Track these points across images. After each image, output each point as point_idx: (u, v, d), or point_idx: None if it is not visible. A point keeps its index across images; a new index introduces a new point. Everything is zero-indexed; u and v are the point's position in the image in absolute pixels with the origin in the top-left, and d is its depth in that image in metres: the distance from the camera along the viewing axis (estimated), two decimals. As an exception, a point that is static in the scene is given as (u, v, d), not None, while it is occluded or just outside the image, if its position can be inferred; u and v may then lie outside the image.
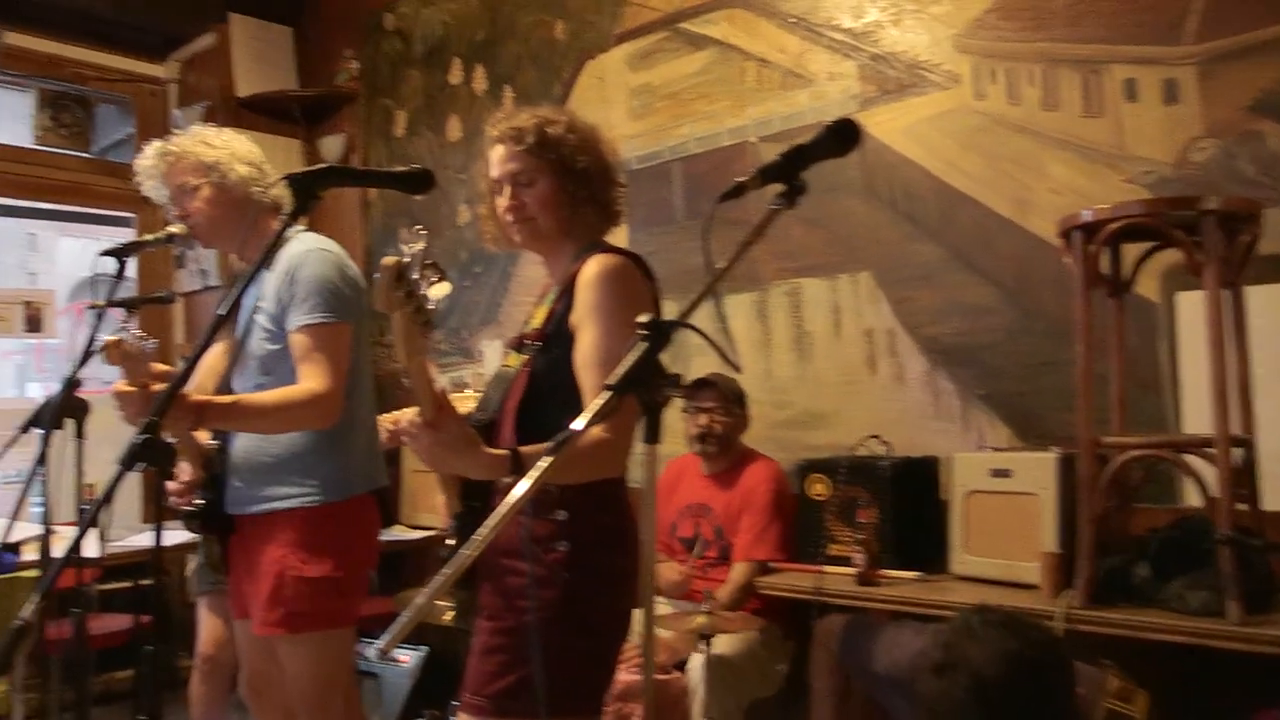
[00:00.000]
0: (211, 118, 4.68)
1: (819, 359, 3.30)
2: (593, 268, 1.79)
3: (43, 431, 2.22)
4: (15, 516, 2.29)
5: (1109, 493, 2.22)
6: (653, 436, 1.23)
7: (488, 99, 4.34)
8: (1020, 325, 2.87)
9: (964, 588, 2.52)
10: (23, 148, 4.73)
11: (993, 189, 2.92)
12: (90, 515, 1.56)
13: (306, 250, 2.37)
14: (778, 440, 3.31)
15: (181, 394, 2.05)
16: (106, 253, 2.36)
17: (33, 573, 3.02)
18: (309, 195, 1.74)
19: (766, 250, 3.39)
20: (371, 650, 3.44)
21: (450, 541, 1.91)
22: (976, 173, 2.96)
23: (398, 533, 3.97)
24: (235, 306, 2.42)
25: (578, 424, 1.19)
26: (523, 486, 1.14)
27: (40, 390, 10.34)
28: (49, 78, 4.72)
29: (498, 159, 1.92)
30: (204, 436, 2.41)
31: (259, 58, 4.83)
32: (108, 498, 1.58)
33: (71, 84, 4.77)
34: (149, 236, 2.45)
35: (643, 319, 1.23)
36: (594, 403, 1.21)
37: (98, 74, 4.83)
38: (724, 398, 3.11)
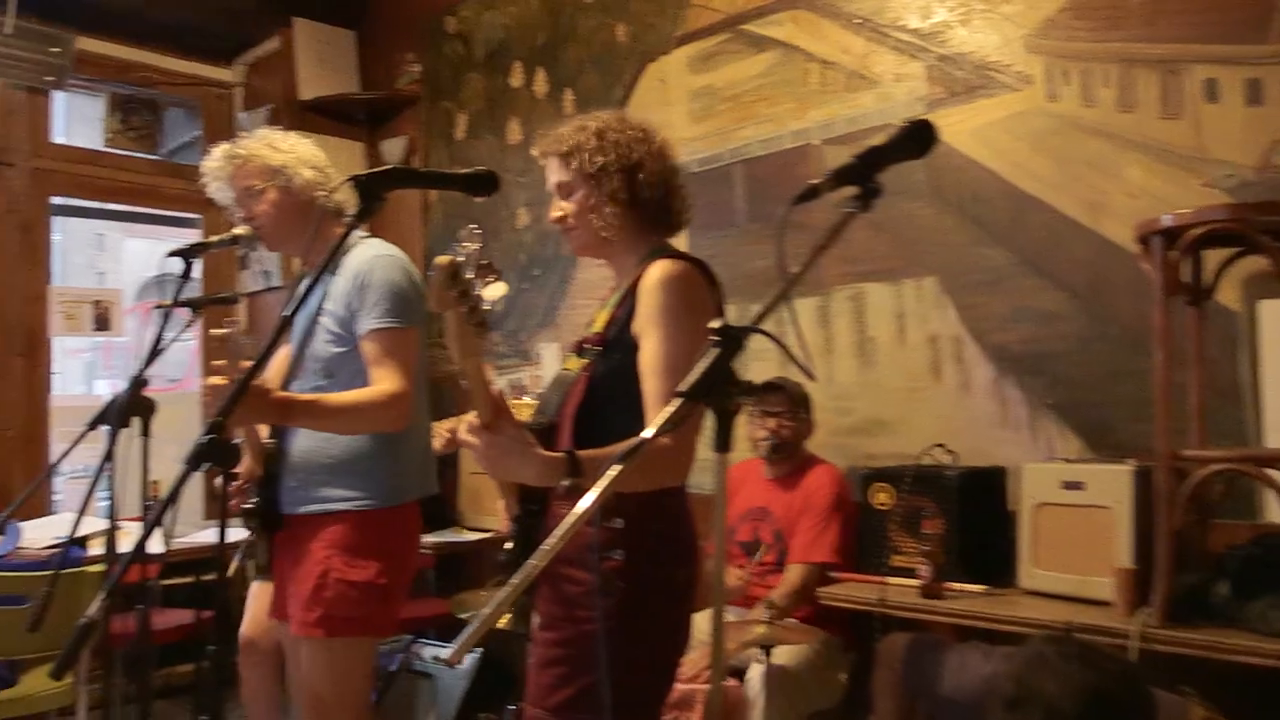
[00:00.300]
0: (275, 120, 4.76)
1: (882, 365, 3.25)
2: (655, 274, 1.77)
3: (109, 429, 2.25)
4: (83, 512, 2.32)
5: (1187, 507, 2.15)
6: (724, 444, 1.21)
7: (548, 102, 4.34)
8: (1093, 332, 2.79)
9: (1032, 603, 2.46)
10: (93, 150, 4.84)
11: (1065, 192, 2.85)
12: (155, 515, 1.58)
13: (375, 255, 2.40)
14: (839, 447, 3.27)
15: (267, 390, 2.09)
16: (173, 253, 2.40)
17: (98, 567, 3.07)
18: (374, 197, 1.75)
19: (829, 254, 3.32)
20: (439, 657, 3.46)
21: (509, 545, 1.90)
22: (1048, 176, 2.89)
23: (455, 534, 3.99)
24: (298, 309, 2.48)
25: (649, 431, 1.17)
26: (592, 494, 1.12)
27: (108, 388, 10.60)
28: (119, 81, 4.82)
29: (548, 172, 1.94)
30: (262, 434, 2.45)
31: (322, 61, 4.89)
32: (173, 498, 1.60)
33: (141, 87, 4.87)
34: (214, 238, 2.48)
35: (715, 324, 1.21)
36: (665, 410, 1.18)
37: (166, 78, 4.92)
38: (791, 402, 3.08)
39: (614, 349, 1.80)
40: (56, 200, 4.74)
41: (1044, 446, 2.87)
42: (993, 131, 3.02)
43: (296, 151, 2.53)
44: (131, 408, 2.28)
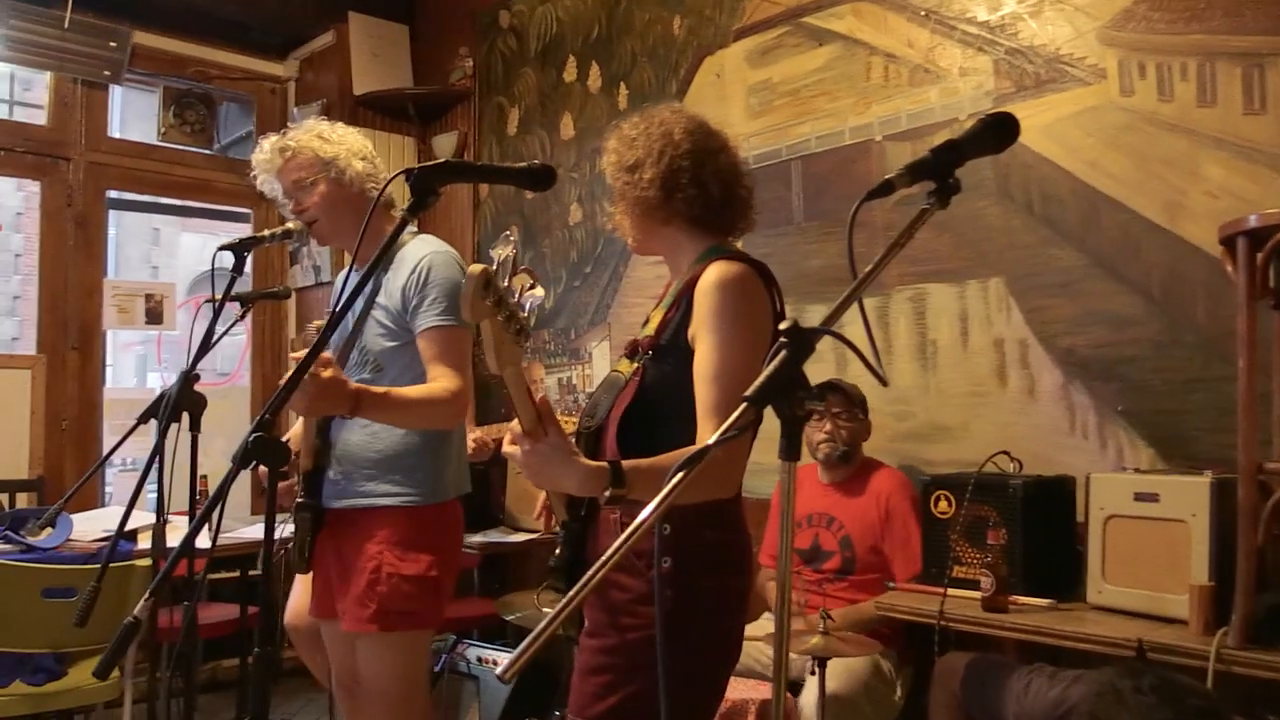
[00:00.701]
0: (328, 115, 4.75)
1: (944, 369, 3.17)
2: (711, 275, 1.73)
3: (160, 424, 2.25)
4: (131, 506, 2.33)
5: (1271, 522, 2.05)
6: (792, 453, 1.16)
7: (602, 97, 4.31)
8: (1168, 338, 2.70)
9: (1101, 619, 2.37)
10: (148, 144, 4.89)
11: (1140, 191, 2.76)
12: (204, 512, 1.56)
13: (433, 252, 2.40)
14: (897, 452, 3.20)
15: (344, 380, 2.08)
16: (224, 247, 2.40)
17: (145, 561, 3.09)
18: (428, 190, 1.71)
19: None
20: (493, 673, 3.44)
21: (558, 551, 1.88)
22: (1122, 174, 2.79)
23: (502, 534, 3.97)
24: (350, 302, 2.47)
25: (711, 439, 1.12)
26: (653, 505, 1.08)
27: (159, 381, 10.78)
28: (174, 76, 4.87)
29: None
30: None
31: (375, 56, 4.90)
32: (220, 495, 1.58)
33: (196, 82, 4.91)
34: (265, 232, 2.48)
35: (784, 325, 1.16)
36: (720, 417, 1.14)
37: (221, 72, 4.97)
38: (849, 403, 3.02)
39: (667, 354, 1.77)
40: (113, 194, 4.80)
41: (1113, 456, 2.78)
42: (1064, 127, 2.93)
43: (346, 143, 2.53)
44: (181, 403, 2.28)
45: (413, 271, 2.37)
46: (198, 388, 2.38)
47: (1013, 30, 3.06)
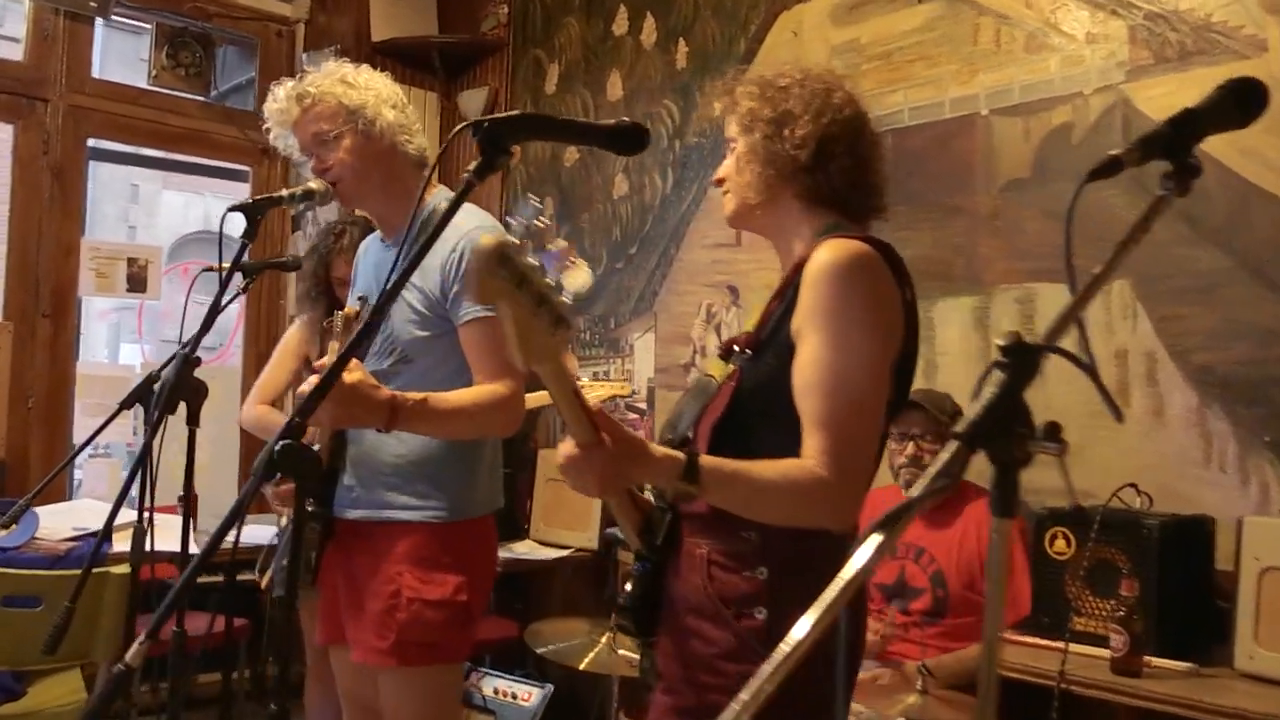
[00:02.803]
0: (341, 63, 4.59)
1: (1053, 383, 2.90)
2: (822, 258, 1.55)
3: (154, 413, 2.06)
4: (118, 507, 2.14)
5: None
6: (1007, 507, 0.97)
7: (657, 54, 4.13)
8: (1332, 358, 2.50)
9: (1252, 690, 2.21)
10: (139, 88, 4.70)
11: (1305, 185, 2.56)
12: (222, 529, 1.38)
13: (478, 226, 2.24)
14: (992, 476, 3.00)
15: (376, 386, 1.94)
16: (236, 208, 2.21)
17: (123, 568, 2.90)
18: (499, 149, 1.53)
19: (993, 245, 3.09)
20: (512, 707, 3.30)
21: (629, 587, 1.73)
22: (1283, 164, 2.60)
23: (527, 549, 3.79)
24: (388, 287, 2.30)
25: (917, 489, 0.94)
26: (863, 555, 0.89)
27: (136, 355, 10.62)
28: (169, 12, 4.68)
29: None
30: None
31: (398, -2, 4.74)
32: (240, 511, 1.40)
33: (193, 20, 4.72)
34: (284, 192, 2.30)
35: (1003, 342, 0.97)
36: (940, 457, 0.96)
37: (221, 10, 4.78)
38: (934, 422, 2.83)
39: (767, 352, 1.61)
40: (94, 143, 4.62)
41: (1256, 494, 2.60)
42: (1211, 107, 2.72)
43: (374, 88, 2.36)
44: (179, 390, 2.09)
45: (453, 250, 2.20)
46: (198, 375, 2.19)
47: (1154, -9, 2.86)
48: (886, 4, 3.43)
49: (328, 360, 1.95)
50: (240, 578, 3.99)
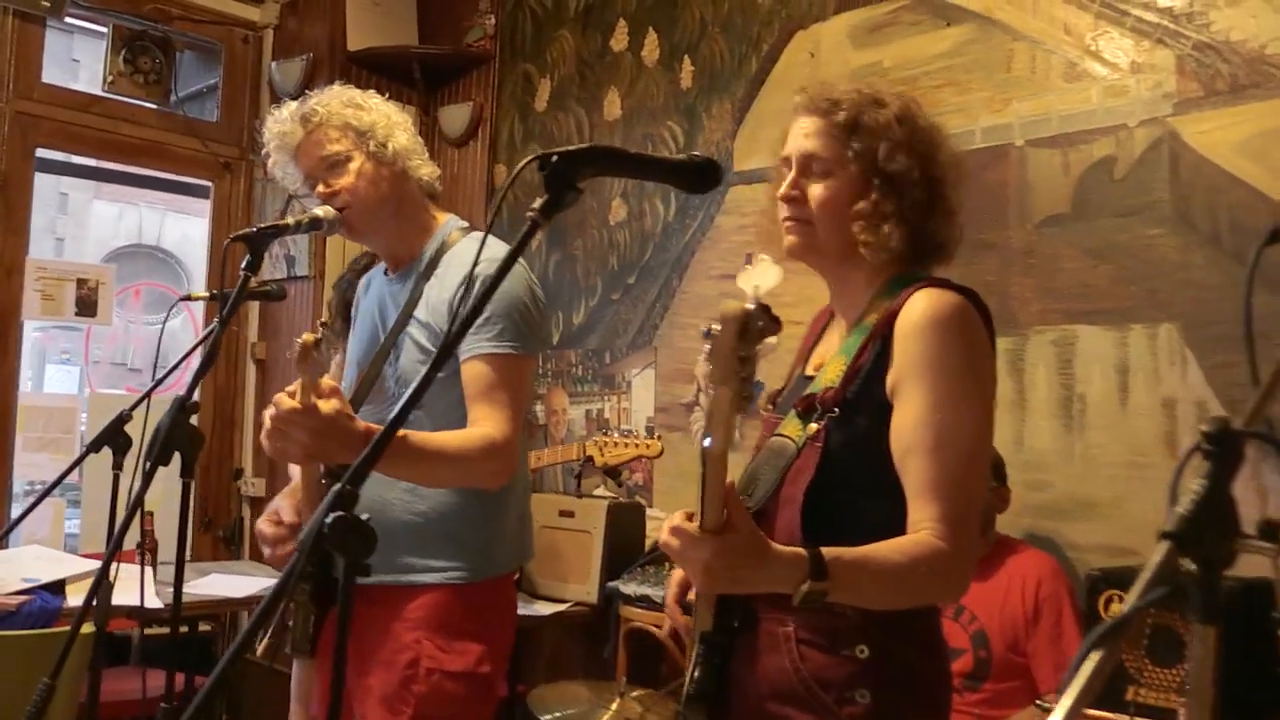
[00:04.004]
0: (314, 73, 4.53)
1: (1095, 430, 2.94)
2: (921, 308, 1.52)
3: (145, 464, 1.95)
4: (107, 567, 2.02)
5: None
6: (1211, 612, 0.91)
7: (659, 72, 4.08)
8: (1402, 413, 2.48)
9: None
10: (93, 95, 4.57)
11: (1372, 229, 2.54)
12: (255, 623, 1.28)
13: (493, 258, 2.13)
14: (1029, 529, 2.97)
15: (351, 417, 1.85)
16: (237, 238, 2.11)
17: (87, 628, 2.76)
18: (567, 185, 1.45)
19: (1027, 284, 3.06)
20: None
21: (696, 673, 1.64)
22: (1347, 205, 2.59)
23: (524, 604, 3.67)
24: (403, 321, 2.22)
25: (1130, 604, 0.88)
26: (1083, 676, 0.82)
27: (68, 380, 10.32)
28: (127, 14, 4.56)
29: (797, 132, 1.68)
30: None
31: (376, 4, 4.65)
32: (284, 592, 1.30)
33: (153, 22, 4.60)
34: (289, 220, 2.20)
35: (1208, 428, 0.91)
36: (1151, 561, 0.90)
37: (184, 12, 4.66)
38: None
39: (857, 410, 1.56)
40: (43, 154, 4.48)
41: (1315, 554, 2.55)
42: (1266, 143, 2.73)
43: (384, 110, 2.31)
44: (174, 440, 1.97)
45: (463, 282, 2.14)
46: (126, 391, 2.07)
47: (1203, 20, 2.85)
48: (911, 26, 3.40)
49: (293, 390, 1.84)
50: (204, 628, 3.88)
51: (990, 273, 3.14)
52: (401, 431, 1.94)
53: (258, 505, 4.73)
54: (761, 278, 1.22)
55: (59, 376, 10.53)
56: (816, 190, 1.63)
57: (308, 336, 1.82)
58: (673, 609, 1.77)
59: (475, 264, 1.43)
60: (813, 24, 3.64)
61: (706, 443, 1.20)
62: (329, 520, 1.29)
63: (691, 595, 1.72)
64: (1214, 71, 2.82)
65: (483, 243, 1.44)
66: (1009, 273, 3.10)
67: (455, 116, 4.60)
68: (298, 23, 4.79)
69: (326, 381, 1.87)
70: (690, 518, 1.37)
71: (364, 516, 1.31)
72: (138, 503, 1.97)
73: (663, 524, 1.42)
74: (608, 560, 3.50)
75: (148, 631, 4.00)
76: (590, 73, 4.32)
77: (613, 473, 3.61)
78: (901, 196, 1.60)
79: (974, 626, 2.72)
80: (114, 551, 1.98)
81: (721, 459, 1.28)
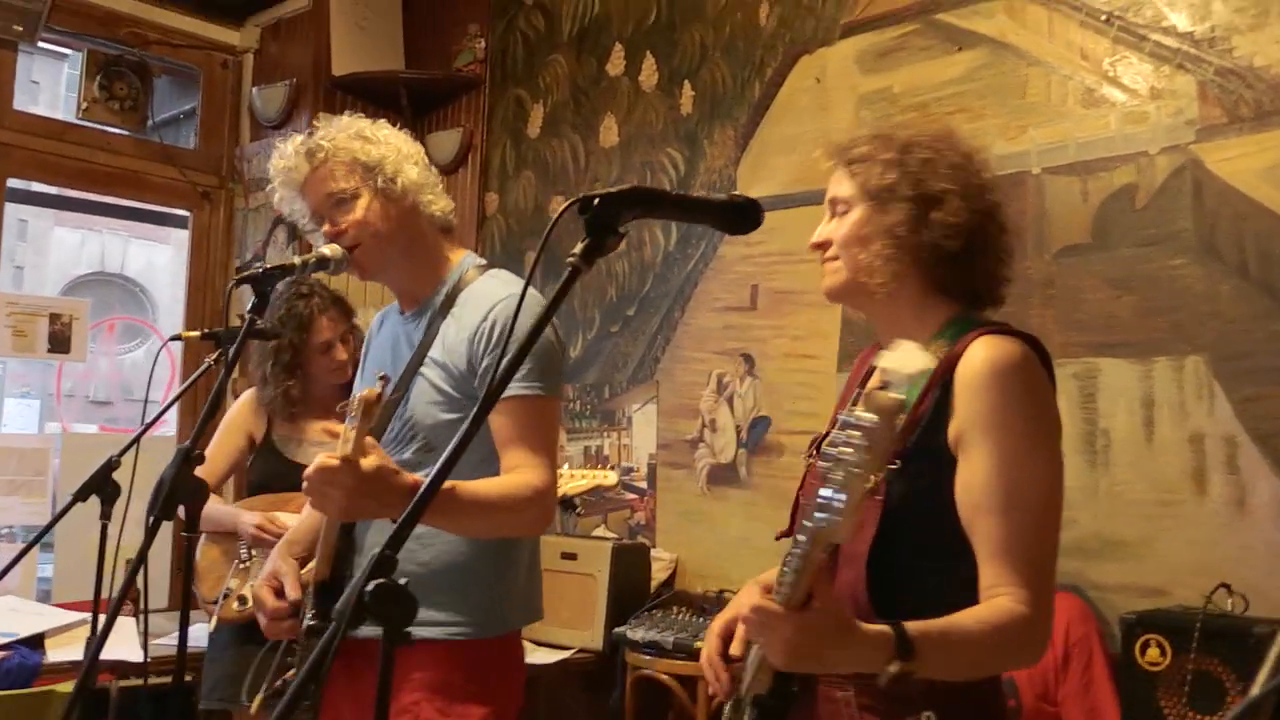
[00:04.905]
0: (297, 99, 4.49)
1: (1119, 467, 2.93)
2: (983, 357, 1.51)
3: (153, 517, 1.90)
4: (112, 621, 1.97)
5: None
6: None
7: (658, 97, 4.07)
8: None
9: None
10: (67, 122, 4.53)
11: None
12: (303, 683, 1.24)
13: (511, 295, 2.16)
14: (1050, 571, 2.94)
15: (391, 472, 1.81)
16: (243, 280, 2.07)
17: (67, 686, 2.70)
18: (608, 229, 1.43)
19: (1047, 315, 3.05)
20: None
21: None
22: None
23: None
24: (417, 361, 2.18)
25: (1258, 691, 0.86)
26: None
27: (22, 413, 10.20)
28: (102, 38, 4.52)
29: (830, 184, 1.71)
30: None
31: (362, 28, 4.66)
32: (325, 658, 1.26)
33: (128, 47, 4.57)
34: (295, 260, 2.16)
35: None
36: (1271, 653, 0.87)
37: (161, 36, 4.63)
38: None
39: (919, 462, 1.52)
40: (14, 184, 4.43)
41: (1354, 596, 2.55)
42: (1293, 171, 2.73)
43: (394, 143, 2.27)
44: (178, 492, 1.93)
45: (484, 319, 2.13)
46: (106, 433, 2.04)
47: (1225, 45, 2.86)
48: (920, 51, 3.40)
49: (343, 445, 1.81)
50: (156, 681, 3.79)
51: (1008, 304, 3.10)
52: (449, 484, 1.92)
53: (238, 548, 4.66)
54: (909, 362, 1.21)
55: (19, 410, 10.41)
56: (838, 227, 1.65)
57: (370, 392, 1.78)
58: (717, 664, 1.72)
59: (517, 312, 1.39)
60: (818, 48, 3.64)
61: (829, 525, 1.17)
62: (370, 588, 1.25)
63: (735, 649, 1.68)
64: (1237, 97, 2.83)
65: (526, 284, 1.41)
66: (1028, 304, 3.09)
67: (444, 143, 4.57)
68: (279, 47, 4.77)
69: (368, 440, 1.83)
70: (768, 591, 1.34)
71: (402, 581, 1.28)
72: (141, 559, 1.92)
73: (737, 599, 1.45)
74: (613, 604, 3.45)
75: (122, 684, 3.92)
76: (585, 98, 4.31)
77: (569, 504, 3.59)
78: (884, 214, 1.60)
79: (1004, 675, 2.70)
80: (116, 612, 1.92)
81: (831, 544, 1.27)
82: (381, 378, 2.05)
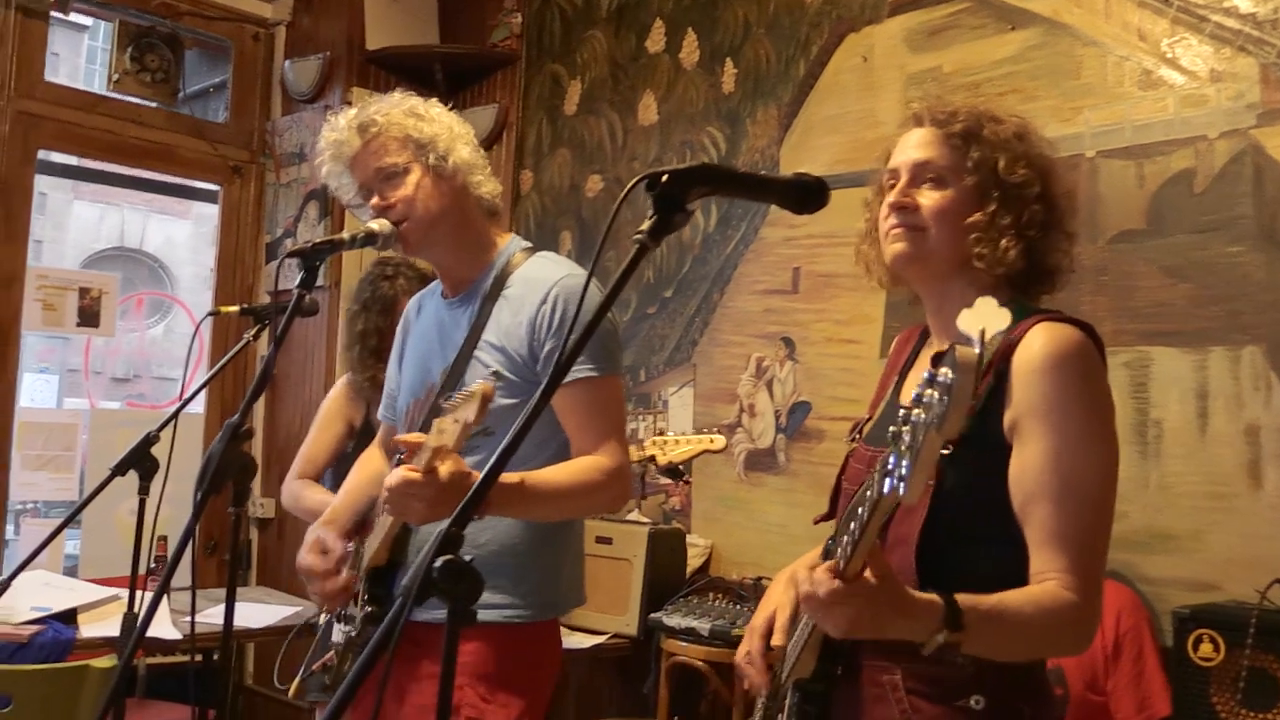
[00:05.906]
0: (330, 73, 4.51)
1: (1171, 459, 2.92)
2: (1042, 344, 1.52)
3: (202, 492, 1.93)
4: (159, 599, 1.99)
5: None
6: None
7: (699, 75, 4.07)
8: None
9: None
10: (93, 93, 4.56)
11: None
12: (361, 668, 1.26)
13: (568, 275, 2.19)
14: (1099, 563, 2.94)
15: (465, 475, 1.85)
16: (293, 254, 2.09)
17: (106, 661, 2.72)
18: (676, 207, 1.46)
19: (1099, 303, 3.04)
20: None
21: None
22: None
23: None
24: (471, 345, 2.19)
25: None
26: None
27: (49, 390, 10.28)
28: (133, 9, 4.55)
29: (906, 144, 1.70)
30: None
31: (395, 2, 4.67)
32: (388, 638, 1.28)
33: (160, 18, 4.59)
34: (344, 235, 2.18)
35: None
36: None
37: (192, 7, 4.65)
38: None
39: (972, 448, 1.52)
40: (44, 155, 4.47)
41: None
42: (1359, 157, 2.72)
43: (446, 121, 2.29)
44: (227, 468, 1.95)
45: (544, 301, 2.15)
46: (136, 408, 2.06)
47: (1292, 26, 2.84)
48: (972, 30, 3.38)
49: (437, 436, 1.83)
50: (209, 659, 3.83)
51: (1059, 290, 3.13)
52: (519, 477, 1.94)
53: (265, 527, 4.70)
54: (989, 320, 1.21)
55: (38, 386, 10.49)
56: (932, 197, 1.64)
57: (485, 386, 1.73)
58: (758, 661, 1.73)
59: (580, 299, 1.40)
60: (865, 26, 3.63)
61: (901, 490, 1.16)
62: (438, 564, 1.26)
63: (777, 640, 1.69)
64: (1301, 81, 2.81)
65: (592, 270, 1.42)
66: (1079, 291, 3.07)
67: (480, 119, 4.58)
68: (312, 20, 4.79)
69: (441, 441, 1.85)
70: (828, 566, 1.35)
71: (468, 558, 1.30)
72: (189, 534, 1.94)
73: (793, 577, 1.44)
74: (648, 590, 3.47)
75: (149, 661, 3.97)
76: (624, 75, 4.31)
77: (674, 471, 3.58)
78: (1020, 211, 1.61)
79: (1051, 662, 2.70)
80: (164, 590, 1.95)
81: (891, 510, 1.28)
82: (494, 373, 2.07)
